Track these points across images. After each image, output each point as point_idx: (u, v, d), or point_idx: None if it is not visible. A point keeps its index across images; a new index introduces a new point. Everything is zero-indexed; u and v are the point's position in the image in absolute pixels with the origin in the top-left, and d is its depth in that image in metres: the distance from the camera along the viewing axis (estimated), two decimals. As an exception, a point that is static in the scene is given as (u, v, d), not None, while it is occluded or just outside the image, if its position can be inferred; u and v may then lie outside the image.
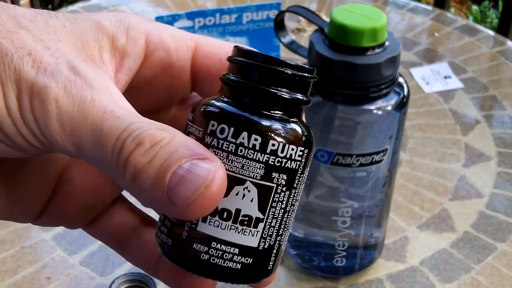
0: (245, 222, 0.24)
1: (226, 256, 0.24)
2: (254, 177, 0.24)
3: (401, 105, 0.55)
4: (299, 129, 0.25)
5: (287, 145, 0.25)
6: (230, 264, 0.25)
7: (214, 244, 0.24)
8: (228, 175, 0.24)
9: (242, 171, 0.24)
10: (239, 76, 0.25)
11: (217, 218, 0.24)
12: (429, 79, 0.94)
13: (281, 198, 0.25)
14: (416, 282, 0.64)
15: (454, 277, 0.64)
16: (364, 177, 0.56)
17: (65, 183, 0.29)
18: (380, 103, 0.53)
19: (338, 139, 0.55)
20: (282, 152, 0.24)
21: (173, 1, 1.11)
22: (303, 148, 0.25)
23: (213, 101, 0.25)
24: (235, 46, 0.27)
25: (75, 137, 0.24)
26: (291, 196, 0.25)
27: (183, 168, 0.23)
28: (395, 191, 0.71)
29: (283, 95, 0.25)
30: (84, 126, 0.24)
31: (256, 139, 0.24)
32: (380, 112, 0.53)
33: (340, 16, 0.52)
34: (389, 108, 0.54)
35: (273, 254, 0.26)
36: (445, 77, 0.94)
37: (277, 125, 0.25)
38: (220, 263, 0.24)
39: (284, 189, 0.25)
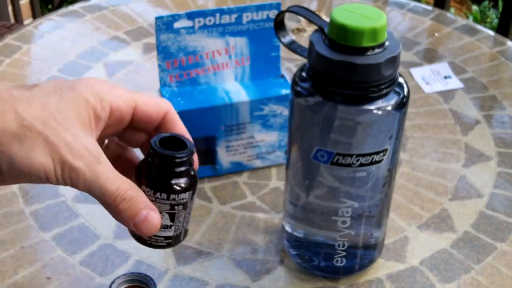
0: (164, 227, 0.48)
1: (158, 241, 0.49)
2: (166, 210, 0.47)
3: (401, 105, 0.55)
4: (188, 183, 0.47)
5: (180, 194, 0.47)
6: (161, 244, 0.49)
7: (153, 236, 0.48)
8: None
9: (159, 208, 0.47)
10: (153, 163, 0.46)
11: None
12: (429, 79, 0.94)
13: (180, 214, 0.48)
14: (416, 282, 0.64)
15: (454, 277, 0.65)
16: (364, 177, 0.56)
17: None
18: (380, 103, 0.53)
19: (338, 139, 0.55)
20: (177, 198, 0.47)
21: (173, 1, 1.11)
22: (190, 191, 0.47)
23: (141, 166, 0.47)
24: (152, 140, 0.46)
25: (89, 190, 0.44)
26: (186, 211, 0.48)
27: (142, 214, 0.45)
28: (395, 191, 0.71)
29: (178, 172, 0.46)
30: (96, 187, 0.43)
31: (163, 195, 0.46)
32: (380, 112, 0.53)
33: (340, 16, 0.52)
34: (389, 108, 0.54)
35: (182, 234, 0.49)
36: (445, 77, 0.94)
37: (174, 186, 0.46)
38: (156, 244, 0.49)
39: (181, 208, 0.48)
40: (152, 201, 0.46)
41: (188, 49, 0.71)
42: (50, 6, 2.03)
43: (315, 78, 0.54)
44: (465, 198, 0.74)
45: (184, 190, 0.47)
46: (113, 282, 0.59)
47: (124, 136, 0.50)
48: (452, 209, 0.73)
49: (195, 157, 0.48)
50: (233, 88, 0.73)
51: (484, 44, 1.02)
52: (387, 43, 0.53)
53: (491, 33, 1.06)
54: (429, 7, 1.15)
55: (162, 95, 0.72)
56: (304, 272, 0.64)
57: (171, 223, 0.48)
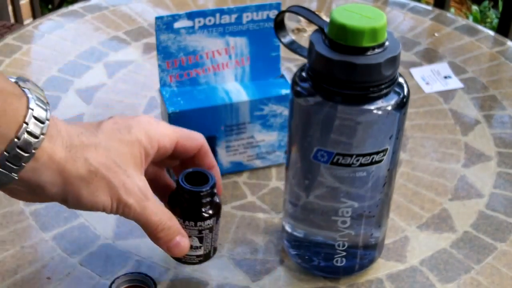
0: (194, 248, 0.58)
1: (191, 258, 0.59)
2: (194, 234, 0.57)
3: (401, 105, 0.55)
4: (212, 211, 0.57)
5: (206, 221, 0.57)
6: (193, 261, 0.59)
7: (186, 255, 0.58)
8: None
9: (189, 233, 0.57)
10: (182, 197, 0.56)
11: None
12: (429, 79, 0.94)
13: (208, 236, 0.58)
14: (416, 282, 0.64)
15: (454, 277, 0.65)
16: (364, 177, 0.56)
17: None
18: (380, 103, 0.53)
19: (338, 139, 0.55)
20: (204, 224, 0.57)
21: (173, 1, 1.11)
22: (215, 217, 0.57)
23: (172, 198, 0.58)
24: (179, 178, 0.57)
25: (137, 220, 0.54)
26: (213, 233, 0.58)
27: (176, 239, 0.55)
28: (395, 191, 0.71)
29: (203, 203, 0.56)
30: (142, 218, 0.54)
31: (191, 223, 0.56)
32: (380, 112, 0.53)
33: (340, 16, 0.52)
34: (389, 108, 0.54)
35: (211, 252, 0.60)
36: (445, 77, 0.94)
37: (200, 215, 0.56)
38: (189, 261, 0.59)
39: (208, 232, 0.57)
40: (182, 227, 0.56)
41: (188, 49, 0.71)
42: (50, 6, 2.03)
43: (315, 78, 0.54)
44: (465, 198, 0.74)
45: (209, 217, 0.57)
46: (113, 282, 0.59)
47: (162, 161, 0.59)
48: (452, 209, 0.73)
49: (219, 182, 0.59)
50: (233, 88, 0.73)
51: (484, 44, 1.02)
52: (387, 43, 0.53)
53: (491, 33, 1.06)
54: (429, 7, 1.15)
55: (162, 95, 0.72)
56: (304, 272, 0.64)
57: (200, 244, 0.58)
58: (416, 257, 0.67)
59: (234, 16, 0.71)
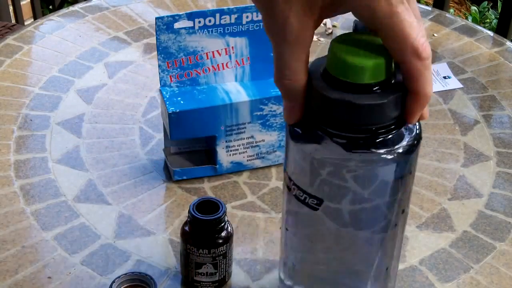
0: (210, 274, 0.60)
1: (206, 285, 0.61)
2: (209, 261, 0.59)
3: (412, 148, 0.50)
4: (224, 238, 0.59)
5: (219, 248, 0.59)
6: (209, 287, 0.61)
7: (201, 282, 0.61)
8: (200, 261, 0.60)
9: (203, 260, 0.59)
10: (195, 227, 0.59)
11: (201, 274, 0.61)
12: (428, 79, 0.94)
13: (222, 262, 0.60)
14: (415, 282, 0.64)
15: (453, 276, 0.65)
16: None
17: None
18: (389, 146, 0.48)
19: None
20: (217, 251, 0.59)
21: (173, 1, 1.11)
22: (227, 244, 0.59)
23: (184, 229, 0.60)
24: (190, 206, 0.59)
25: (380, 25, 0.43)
26: (226, 258, 0.60)
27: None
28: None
29: (216, 230, 0.59)
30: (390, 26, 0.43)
31: (205, 251, 0.59)
32: (389, 156, 0.48)
33: (341, 50, 0.46)
34: (400, 150, 0.49)
35: (226, 277, 0.62)
36: (445, 77, 0.94)
37: (212, 243, 0.59)
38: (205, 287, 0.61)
39: (221, 258, 0.60)
40: (196, 255, 0.59)
41: (188, 49, 0.72)
42: (51, 7, 2.04)
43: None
44: (464, 198, 0.74)
45: (222, 244, 0.59)
46: (113, 282, 0.59)
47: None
48: (451, 208, 0.73)
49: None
50: (233, 88, 0.73)
51: (483, 44, 1.02)
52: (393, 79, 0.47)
53: (490, 33, 1.06)
54: (429, 8, 1.15)
55: (162, 95, 0.72)
56: (304, 271, 0.64)
57: (215, 271, 0.60)
58: (416, 256, 0.67)
59: (234, 17, 0.71)
